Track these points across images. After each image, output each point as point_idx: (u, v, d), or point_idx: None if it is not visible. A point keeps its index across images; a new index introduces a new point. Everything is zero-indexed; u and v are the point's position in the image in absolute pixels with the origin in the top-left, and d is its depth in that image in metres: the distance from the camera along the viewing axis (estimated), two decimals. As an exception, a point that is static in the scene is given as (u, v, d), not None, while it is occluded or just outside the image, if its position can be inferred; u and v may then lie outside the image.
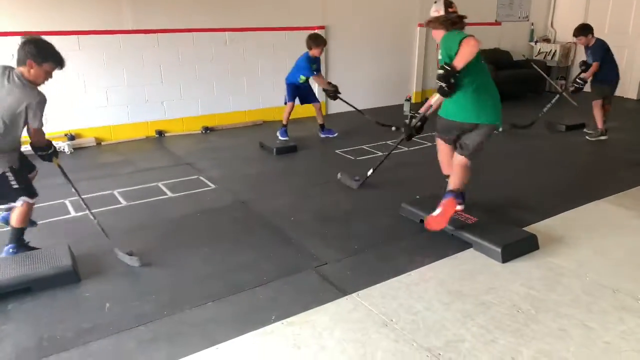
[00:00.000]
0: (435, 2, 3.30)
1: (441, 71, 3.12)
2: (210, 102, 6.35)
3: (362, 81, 7.46)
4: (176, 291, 2.84)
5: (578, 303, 2.69)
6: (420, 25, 7.74)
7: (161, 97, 6.02)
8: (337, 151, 5.47)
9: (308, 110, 6.18)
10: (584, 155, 5.50)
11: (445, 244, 3.34)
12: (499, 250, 3.12)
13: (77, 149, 5.52)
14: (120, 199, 4.14)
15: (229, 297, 2.76)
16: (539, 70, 7.77)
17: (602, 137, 5.87)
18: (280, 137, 5.83)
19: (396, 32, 7.60)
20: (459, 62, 3.01)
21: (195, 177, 4.67)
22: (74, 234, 3.50)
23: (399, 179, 4.64)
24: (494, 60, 8.18)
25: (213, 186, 4.43)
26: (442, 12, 3.23)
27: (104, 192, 4.24)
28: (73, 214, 3.86)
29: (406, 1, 7.56)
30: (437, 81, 3.18)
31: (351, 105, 6.03)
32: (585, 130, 6.16)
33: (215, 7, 6.10)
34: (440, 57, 3.26)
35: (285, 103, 5.77)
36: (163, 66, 5.95)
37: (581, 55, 7.27)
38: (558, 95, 6.19)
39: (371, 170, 4.36)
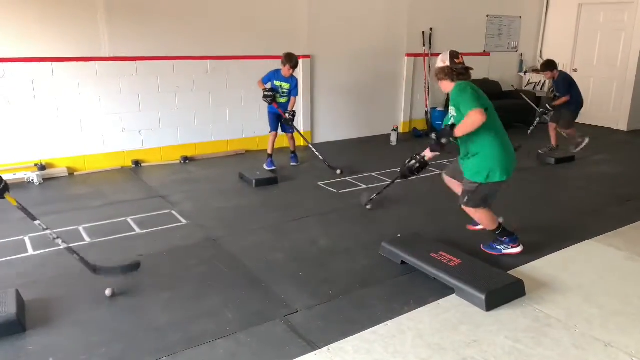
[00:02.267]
0: (442, 53, 3.38)
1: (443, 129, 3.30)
2: (190, 131, 6.17)
3: (348, 110, 7.33)
4: (130, 342, 2.59)
5: (567, 359, 2.47)
6: (408, 55, 7.67)
7: (139, 126, 5.83)
8: (319, 183, 5.27)
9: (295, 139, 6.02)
10: (574, 190, 5.33)
11: (427, 288, 3.13)
12: (483, 297, 2.90)
13: (47, 180, 5.29)
14: (85, 236, 3.90)
15: (185, 351, 2.52)
16: (527, 100, 7.68)
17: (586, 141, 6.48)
18: (266, 168, 5.66)
19: (383, 61, 7.51)
20: (459, 131, 3.17)
21: (167, 211, 4.44)
22: (29, 276, 3.26)
23: (382, 214, 4.44)
24: (483, 91, 8.09)
25: (184, 222, 4.21)
26: (447, 63, 3.28)
27: (68, 228, 3.99)
28: (31, 252, 3.61)
29: (393, 31, 7.49)
30: (431, 136, 3.39)
31: (303, 137, 6.07)
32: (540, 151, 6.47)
33: (197, 35, 5.98)
34: (450, 111, 3.37)
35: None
36: (141, 94, 5.78)
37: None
38: (538, 118, 6.49)
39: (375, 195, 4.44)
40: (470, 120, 3.08)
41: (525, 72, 9.15)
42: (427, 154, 3.62)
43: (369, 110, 7.49)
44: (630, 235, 3.99)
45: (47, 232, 3.03)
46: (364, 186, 5.17)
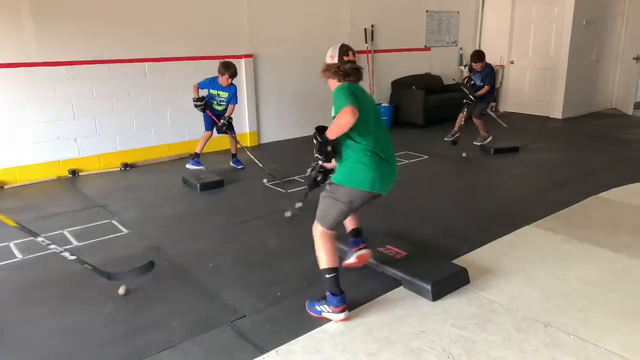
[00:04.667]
0: (332, 47, 2.90)
1: (314, 140, 2.72)
2: (129, 137, 5.94)
3: (295, 109, 7.28)
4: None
5: (510, 342, 2.54)
6: (350, 51, 7.70)
7: (74, 134, 5.56)
8: (267, 183, 5.21)
9: (239, 141, 5.91)
10: (513, 177, 5.53)
11: (375, 283, 3.14)
12: (429, 287, 2.94)
13: (-26, 194, 4.96)
14: (16, 252, 3.67)
15: (128, 365, 2.41)
16: (467, 92, 7.88)
17: (489, 139, 6.55)
18: (190, 166, 5.47)
19: (323, 57, 7.48)
20: (331, 134, 2.64)
21: (107, 221, 4.25)
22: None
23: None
24: (426, 85, 8.30)
25: (125, 231, 4.04)
26: (336, 60, 2.81)
27: (-2, 245, 3.75)
28: (-43, 273, 3.36)
29: (336, 27, 7.51)
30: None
31: (239, 143, 5.81)
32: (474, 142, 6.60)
33: (133, 36, 5.76)
34: (333, 114, 2.73)
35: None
36: (75, 100, 5.50)
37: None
38: (465, 108, 6.41)
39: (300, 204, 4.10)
40: (340, 120, 2.55)
41: (465, 66, 9.40)
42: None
43: (315, 109, 7.44)
44: (566, 218, 4.17)
45: (53, 246, 3.02)
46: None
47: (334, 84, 2.85)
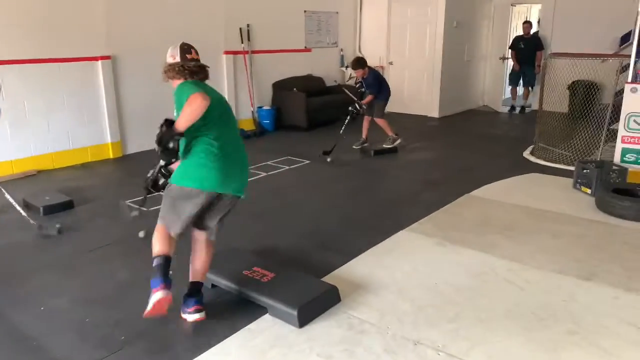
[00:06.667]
0: (171, 47, 2.71)
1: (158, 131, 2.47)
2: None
3: (163, 115, 6.62)
4: None
5: (379, 368, 2.33)
6: (226, 52, 7.28)
7: None
8: (126, 202, 4.62)
9: (100, 153, 5.24)
10: (390, 179, 5.50)
11: (239, 312, 2.80)
12: (295, 313, 2.65)
13: None
14: None
15: None
16: (349, 94, 7.82)
17: (399, 140, 6.53)
18: None
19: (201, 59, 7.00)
20: (181, 124, 2.41)
21: None
22: None
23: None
24: (308, 87, 8.12)
25: None
26: (177, 59, 2.63)
27: None
28: None
29: (209, 28, 7.03)
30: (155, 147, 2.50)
31: None
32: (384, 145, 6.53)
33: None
34: (176, 114, 2.56)
35: None
36: None
37: (387, 78, 7.55)
38: (349, 116, 6.27)
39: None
40: (190, 105, 2.36)
41: (347, 67, 9.40)
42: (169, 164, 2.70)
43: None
44: (440, 220, 4.14)
45: None
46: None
47: (178, 84, 2.62)
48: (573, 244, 3.62)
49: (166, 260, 2.55)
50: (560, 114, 6.41)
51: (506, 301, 2.87)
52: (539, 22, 9.58)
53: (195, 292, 2.75)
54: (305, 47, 8.66)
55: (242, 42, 7.44)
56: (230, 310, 2.83)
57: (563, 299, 2.88)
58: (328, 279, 3.11)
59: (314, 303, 2.77)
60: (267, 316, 2.75)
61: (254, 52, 7.62)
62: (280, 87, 8.07)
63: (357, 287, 3.04)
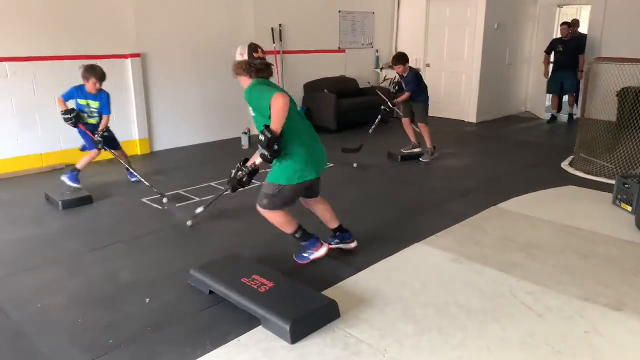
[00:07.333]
0: (240, 46, 3.14)
1: (262, 137, 2.82)
2: (-13, 147, 5.15)
3: (194, 113, 6.71)
4: None
5: (368, 396, 2.15)
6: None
7: None
8: (144, 199, 4.62)
9: (128, 149, 5.30)
10: (414, 186, 5.24)
11: (232, 322, 2.69)
12: (287, 327, 2.51)
13: None
14: None
15: None
16: (382, 96, 7.61)
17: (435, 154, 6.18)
18: (68, 182, 4.68)
19: (224, 56, 6.93)
20: (276, 125, 2.78)
21: None
22: None
23: (211, 231, 3.95)
24: (339, 89, 7.96)
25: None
26: (246, 57, 3.02)
27: None
28: None
29: (238, 24, 6.98)
30: (260, 147, 2.88)
31: (122, 155, 5.06)
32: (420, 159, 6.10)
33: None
34: (253, 114, 3.02)
35: (83, 150, 4.80)
36: None
37: (425, 80, 7.27)
38: (380, 116, 6.04)
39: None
40: (276, 107, 2.75)
41: (382, 69, 9.18)
42: (257, 161, 3.09)
43: (216, 112, 6.91)
44: (461, 233, 3.89)
45: None
46: (197, 199, 4.63)
47: (245, 81, 2.98)
48: (603, 267, 3.29)
49: (301, 228, 3.24)
50: (608, 123, 5.96)
51: (520, 329, 2.62)
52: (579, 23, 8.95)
53: (343, 230, 3.46)
54: (339, 47, 8.50)
55: (274, 42, 7.36)
56: (225, 320, 2.72)
57: (585, 330, 2.60)
58: (331, 291, 2.95)
59: (309, 317, 2.62)
60: (260, 328, 2.62)
61: (285, 52, 7.53)
62: (312, 88, 7.95)
63: (359, 302, 2.86)
